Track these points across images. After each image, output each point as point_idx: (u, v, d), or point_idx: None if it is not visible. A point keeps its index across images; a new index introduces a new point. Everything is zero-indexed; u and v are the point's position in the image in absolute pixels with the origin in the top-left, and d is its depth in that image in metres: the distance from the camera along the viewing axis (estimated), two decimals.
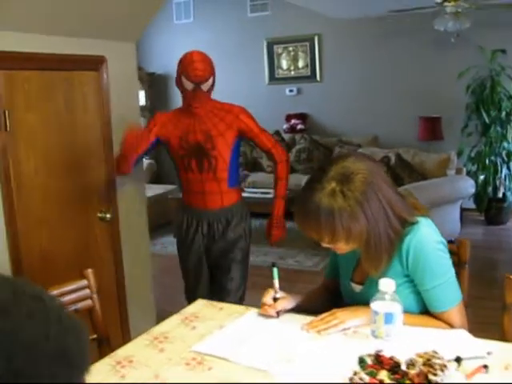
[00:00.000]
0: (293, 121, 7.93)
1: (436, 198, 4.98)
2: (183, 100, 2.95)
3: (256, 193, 6.51)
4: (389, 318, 1.47)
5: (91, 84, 3.21)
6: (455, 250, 1.95)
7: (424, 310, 1.76)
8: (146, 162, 7.37)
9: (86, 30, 3.08)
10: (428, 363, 1.16)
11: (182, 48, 9.02)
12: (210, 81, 2.88)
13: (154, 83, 8.64)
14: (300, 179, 6.78)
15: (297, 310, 1.89)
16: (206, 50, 9.39)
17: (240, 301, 3.07)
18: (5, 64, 2.69)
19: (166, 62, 8.49)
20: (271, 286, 1.87)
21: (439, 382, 1.12)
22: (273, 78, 8.18)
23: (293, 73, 8.07)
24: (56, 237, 3.00)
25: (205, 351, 1.63)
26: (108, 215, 3.21)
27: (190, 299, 2.92)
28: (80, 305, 1.89)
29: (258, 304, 2.03)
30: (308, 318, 1.79)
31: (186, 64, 2.84)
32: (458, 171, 6.19)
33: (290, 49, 8.00)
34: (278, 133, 7.66)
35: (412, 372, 1.15)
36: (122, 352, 1.66)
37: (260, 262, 5.62)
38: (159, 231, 6.44)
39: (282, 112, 8.00)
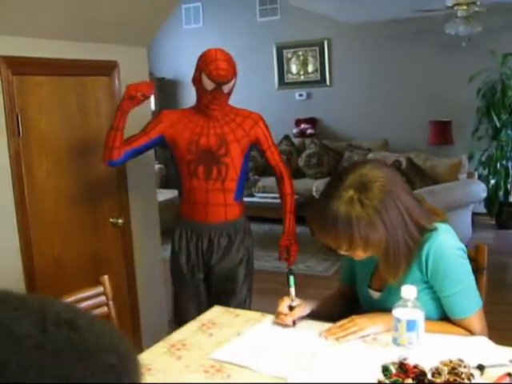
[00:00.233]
0: (302, 125, 7.91)
1: (448, 203, 4.94)
2: (198, 99, 2.71)
3: (266, 198, 6.50)
4: (411, 325, 1.44)
5: (103, 89, 3.21)
6: (472, 255, 1.92)
7: (444, 316, 1.74)
8: (155, 166, 7.36)
9: (98, 35, 3.07)
10: (454, 372, 1.14)
11: (192, 53, 9.01)
12: (232, 83, 2.65)
13: (163, 88, 8.65)
14: (310, 184, 6.77)
15: (313, 316, 1.87)
16: None
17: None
18: (18, 69, 2.69)
19: (175, 67, 8.51)
20: (282, 292, 1.86)
21: None
22: (282, 82, 8.17)
23: (302, 77, 8.05)
24: (68, 242, 2.99)
25: (223, 359, 1.61)
26: (120, 220, 3.20)
27: (181, 324, 2.18)
28: (96, 312, 1.87)
29: (268, 309, 2.02)
30: (326, 325, 1.77)
31: (208, 61, 2.57)
32: (470, 175, 6.15)
33: (300, 53, 7.99)
34: (287, 137, 7.65)
35: (438, 381, 1.12)
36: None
37: (270, 268, 5.60)
38: (170, 236, 6.42)
39: (291, 117, 7.99)
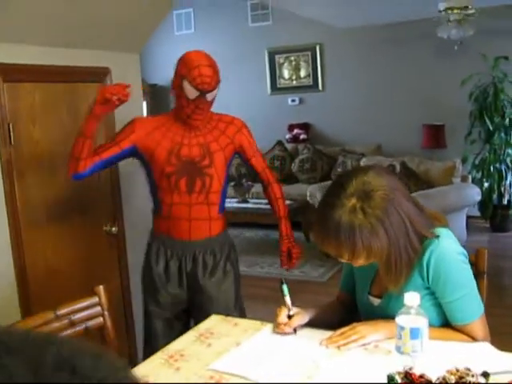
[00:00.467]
0: (295, 131, 7.90)
1: (442, 206, 4.92)
2: (178, 108, 2.45)
3: (260, 203, 6.46)
4: (415, 332, 1.42)
5: (96, 96, 3.17)
6: (472, 259, 1.90)
7: (445, 322, 1.72)
8: None
9: (90, 42, 3.05)
10: (461, 381, 1.11)
11: None
12: (216, 90, 2.42)
13: (155, 94, 8.62)
14: (303, 189, 6.76)
15: (312, 324, 1.84)
16: None
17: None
18: (9, 76, 2.66)
19: (167, 73, 8.42)
20: (279, 298, 1.82)
21: None
22: (275, 88, 8.16)
23: (295, 82, 8.04)
24: (61, 251, 2.95)
25: (223, 369, 1.58)
26: (114, 229, 3.16)
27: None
28: (91, 323, 1.84)
29: (266, 316, 1.99)
30: (326, 333, 1.74)
31: (190, 67, 2.31)
32: (464, 179, 6.15)
33: (292, 58, 7.98)
34: (280, 143, 7.64)
35: None
36: (136, 372, 1.60)
37: (265, 274, 5.58)
38: None
39: (284, 122, 7.97)
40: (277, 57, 8.06)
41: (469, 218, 6.11)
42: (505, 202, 6.64)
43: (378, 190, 1.57)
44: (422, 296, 1.65)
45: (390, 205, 1.57)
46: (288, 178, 7.45)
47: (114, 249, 3.25)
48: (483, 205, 6.51)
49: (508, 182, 6.60)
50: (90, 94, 3.14)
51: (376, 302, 1.82)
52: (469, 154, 6.53)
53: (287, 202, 6.59)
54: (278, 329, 1.81)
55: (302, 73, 7.96)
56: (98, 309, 1.86)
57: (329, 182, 6.64)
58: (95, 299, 1.86)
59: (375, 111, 7.47)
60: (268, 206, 6.41)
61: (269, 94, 8.19)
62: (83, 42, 3.01)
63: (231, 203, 6.51)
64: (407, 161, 6.19)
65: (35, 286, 2.81)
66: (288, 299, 1.84)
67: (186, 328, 2.38)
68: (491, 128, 6.42)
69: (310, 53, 7.82)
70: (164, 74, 8.56)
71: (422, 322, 1.43)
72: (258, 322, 1.90)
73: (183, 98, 2.35)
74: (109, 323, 1.86)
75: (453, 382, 1.11)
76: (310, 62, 7.85)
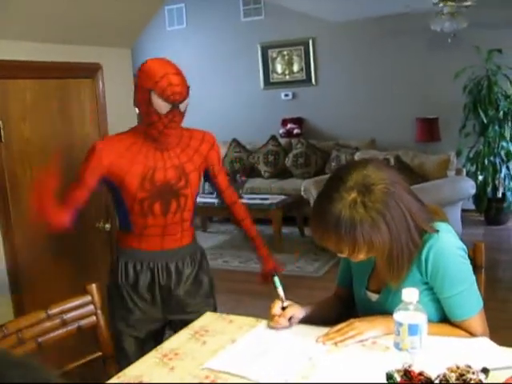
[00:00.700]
0: (289, 125, 7.87)
1: (437, 200, 4.91)
2: (147, 124, 2.16)
3: (255, 199, 6.44)
4: (413, 329, 1.39)
5: (87, 92, 3.15)
6: (470, 253, 1.88)
7: (444, 318, 1.69)
8: None
9: (81, 37, 3.01)
10: (462, 378, 1.09)
11: (176, 54, 8.95)
12: (188, 98, 2.16)
13: None
14: (298, 184, 6.73)
15: (309, 320, 1.81)
16: (199, 56, 9.37)
17: None
18: None
19: None
20: (270, 293, 1.80)
21: None
22: (268, 82, 8.12)
23: (288, 77, 8.01)
24: (53, 248, 2.92)
25: (218, 368, 1.55)
26: (107, 225, 3.13)
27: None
28: (83, 322, 1.81)
29: (262, 313, 1.96)
30: (323, 330, 1.71)
31: (157, 78, 2.06)
32: (458, 172, 6.14)
33: (285, 53, 7.94)
34: (274, 138, 7.61)
35: None
36: (130, 372, 1.57)
37: (257, 269, 5.54)
38: None
39: (277, 117, 7.94)
40: (270, 51, 8.02)
41: (463, 211, 6.10)
42: (499, 195, 6.63)
43: (379, 184, 1.54)
44: (420, 291, 1.62)
45: (391, 198, 1.54)
46: (282, 173, 7.44)
47: (107, 246, 3.21)
48: (478, 198, 6.51)
49: (502, 175, 6.59)
50: (81, 89, 3.11)
51: (374, 297, 1.80)
52: (463, 147, 6.52)
53: (282, 196, 6.60)
54: (272, 322, 1.79)
55: (295, 67, 7.93)
56: (91, 307, 1.83)
57: (323, 177, 6.63)
58: (87, 298, 1.83)
59: (369, 105, 7.45)
60: (262, 202, 6.38)
61: (262, 88, 8.15)
62: (74, 38, 2.98)
63: None
64: (401, 154, 6.18)
65: (28, 283, 2.78)
66: (280, 290, 1.82)
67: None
68: (485, 121, 6.40)
69: (302, 47, 7.78)
70: None
71: (420, 318, 1.41)
72: (254, 319, 1.87)
73: (153, 113, 2.10)
74: (102, 322, 1.84)
75: (453, 379, 1.09)
76: (303, 56, 7.81)
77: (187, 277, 2.34)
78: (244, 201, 6.42)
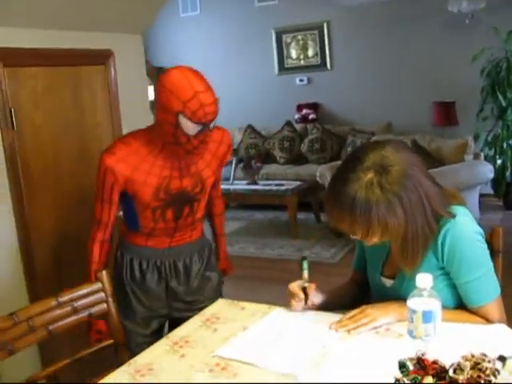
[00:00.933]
0: (304, 111, 7.81)
1: (454, 184, 4.82)
2: (171, 143, 1.97)
3: (270, 185, 6.41)
4: (427, 316, 1.36)
5: (99, 79, 3.14)
6: (487, 238, 1.84)
7: (460, 304, 1.66)
8: None
9: (91, 24, 2.99)
10: (477, 367, 1.06)
11: (190, 41, 8.90)
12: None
13: None
14: (313, 169, 6.69)
15: (325, 307, 1.79)
16: (213, 43, 9.29)
17: None
18: (9, 61, 2.62)
19: (173, 55, 8.40)
20: (288, 280, 1.78)
21: None
22: (282, 68, 8.05)
23: (302, 62, 7.93)
24: (68, 236, 2.92)
25: (229, 356, 1.53)
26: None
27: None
28: (94, 309, 1.80)
29: (274, 298, 1.94)
30: (336, 316, 1.69)
31: (185, 98, 1.85)
32: (476, 156, 6.05)
33: (299, 37, 7.86)
34: (289, 123, 7.56)
35: (461, 378, 1.04)
36: (140, 359, 1.56)
37: (276, 256, 5.54)
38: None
39: (292, 102, 7.88)
40: (284, 36, 7.94)
41: (481, 196, 6.02)
42: None
43: (397, 165, 1.50)
44: (436, 276, 1.60)
45: (409, 181, 1.50)
46: (298, 159, 7.39)
47: (117, 233, 3.21)
48: (496, 182, 6.41)
49: None
50: (92, 76, 3.10)
51: (388, 283, 1.77)
52: (481, 131, 6.42)
53: (297, 182, 6.56)
54: (291, 298, 1.77)
55: (310, 52, 7.85)
56: (102, 295, 1.82)
57: (339, 162, 6.53)
58: (98, 285, 1.82)
59: (385, 89, 7.36)
60: (278, 188, 6.36)
61: (276, 74, 8.09)
62: (85, 25, 2.96)
63: (240, 185, 6.47)
64: (418, 139, 6.10)
65: (42, 271, 2.79)
66: (306, 273, 1.78)
67: None
68: (504, 104, 6.28)
69: (317, 31, 7.69)
70: (170, 57, 8.48)
71: (434, 305, 1.37)
72: (266, 306, 1.85)
73: (181, 135, 1.91)
74: (113, 310, 1.83)
75: (468, 368, 1.06)
76: (318, 40, 7.72)
77: (195, 274, 2.27)
78: (259, 187, 6.42)
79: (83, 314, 1.78)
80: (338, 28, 7.58)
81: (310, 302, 1.77)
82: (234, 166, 6.59)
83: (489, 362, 1.07)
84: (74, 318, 1.76)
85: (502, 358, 1.28)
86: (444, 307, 1.57)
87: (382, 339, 1.56)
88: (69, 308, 1.75)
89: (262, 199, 6.50)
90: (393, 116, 7.21)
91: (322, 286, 1.83)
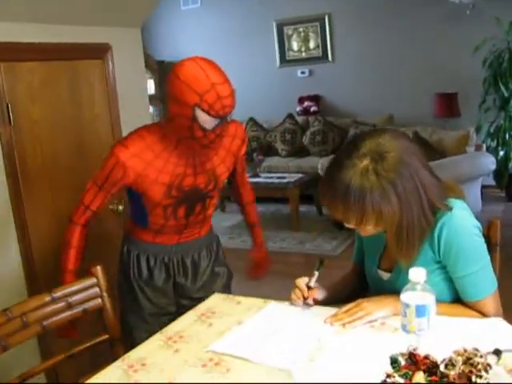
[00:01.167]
0: (306, 103, 7.79)
1: (456, 176, 4.83)
2: (187, 137, 1.89)
3: (272, 177, 6.40)
4: (421, 310, 1.34)
5: (96, 73, 3.12)
6: (485, 232, 1.82)
7: (456, 298, 1.64)
8: None
9: (89, 18, 2.97)
10: (469, 362, 1.05)
11: (191, 34, 8.86)
12: None
13: (163, 71, 8.52)
14: (315, 162, 6.68)
15: (327, 302, 1.79)
16: (214, 35, 9.24)
17: None
18: (5, 55, 2.60)
19: (174, 49, 8.39)
20: (290, 273, 1.78)
21: (484, 383, 1.01)
22: (284, 60, 8.03)
23: (304, 54, 7.90)
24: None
25: (222, 351, 1.52)
26: (120, 207, 3.11)
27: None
28: (89, 304, 1.80)
29: (277, 291, 1.93)
30: (332, 310, 1.68)
31: (202, 91, 1.77)
32: (478, 148, 6.03)
33: (301, 30, 7.83)
34: (291, 116, 7.54)
35: (452, 373, 1.03)
36: (134, 355, 1.56)
37: (278, 248, 5.53)
38: None
39: (294, 94, 7.85)
40: (285, 28, 7.90)
41: (484, 187, 6.00)
42: None
43: (393, 152, 1.48)
44: (432, 270, 1.59)
45: (405, 169, 1.48)
46: (299, 151, 7.38)
47: (121, 226, 3.20)
48: (498, 174, 6.38)
49: None
50: (90, 71, 3.08)
51: (385, 276, 1.76)
52: (483, 123, 6.39)
53: (299, 175, 6.54)
54: (293, 293, 1.76)
55: (311, 44, 7.81)
56: (96, 290, 1.81)
57: None
58: (93, 280, 1.81)
59: (386, 81, 7.33)
60: (279, 180, 6.33)
61: (278, 66, 8.06)
62: (82, 19, 2.94)
63: None
64: (419, 130, 6.08)
65: (41, 266, 2.78)
66: (316, 273, 1.76)
67: None
68: (506, 94, 6.25)
69: (318, 23, 7.66)
70: (171, 50, 8.47)
71: (428, 299, 1.36)
72: (261, 300, 1.84)
73: (197, 129, 1.83)
74: (108, 305, 1.82)
75: (460, 363, 1.05)
76: (319, 32, 7.69)
77: (204, 270, 2.24)
78: (261, 180, 6.40)
79: (78, 310, 1.77)
80: (339, 20, 7.54)
81: (309, 301, 1.76)
82: None
83: (481, 356, 1.06)
84: (68, 313, 1.75)
85: (498, 352, 1.28)
86: (440, 301, 1.56)
87: (377, 333, 1.55)
88: (63, 303, 1.74)
89: (263, 192, 6.47)
90: (394, 108, 7.18)
91: (323, 279, 1.82)
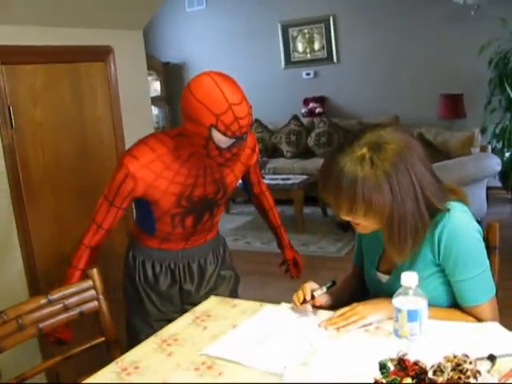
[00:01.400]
0: (311, 104, 7.78)
1: (461, 178, 4.81)
2: (202, 155, 1.85)
3: (276, 179, 6.39)
4: (413, 315, 1.34)
5: (99, 75, 3.13)
6: (483, 234, 1.81)
7: (455, 302, 1.63)
8: None
9: (90, 20, 2.98)
10: (458, 369, 1.04)
11: (196, 36, 8.87)
12: None
13: (169, 73, 8.55)
14: (320, 163, 6.63)
15: (329, 306, 1.78)
16: (219, 37, 9.26)
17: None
18: (7, 58, 2.61)
19: (180, 51, 8.41)
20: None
21: None
22: (289, 61, 8.02)
23: (309, 55, 7.89)
24: (68, 234, 2.92)
25: (216, 354, 1.52)
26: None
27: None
28: (85, 307, 1.80)
29: (278, 293, 1.91)
30: (326, 314, 1.67)
31: (219, 111, 1.72)
32: (483, 149, 5.99)
33: (305, 31, 7.81)
34: (296, 117, 7.53)
35: (440, 379, 1.02)
36: (128, 357, 1.56)
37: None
38: None
39: (299, 96, 7.84)
40: (290, 30, 7.89)
41: (489, 188, 5.96)
42: None
43: (392, 144, 1.49)
44: (431, 273, 1.58)
45: (402, 162, 1.48)
46: (304, 153, 7.37)
47: (123, 229, 3.21)
48: (504, 175, 6.34)
49: None
50: (92, 73, 3.09)
51: (384, 278, 1.75)
52: (489, 124, 6.35)
53: (304, 176, 6.52)
54: (296, 296, 1.75)
55: (316, 45, 7.80)
56: (92, 292, 1.82)
57: None
58: (89, 283, 1.82)
59: (391, 82, 7.31)
60: (284, 182, 6.32)
61: (283, 68, 8.05)
62: (84, 21, 2.95)
63: None
64: (424, 132, 6.05)
65: (43, 270, 2.79)
66: (324, 290, 1.76)
67: None
68: None
69: (323, 25, 7.64)
70: (177, 52, 8.49)
71: (420, 304, 1.35)
72: (257, 303, 1.84)
73: (212, 148, 1.78)
74: (104, 307, 1.82)
75: (449, 369, 1.04)
76: (324, 34, 7.68)
77: (210, 275, 2.22)
78: (265, 181, 6.39)
79: (74, 312, 1.78)
80: (344, 21, 7.52)
81: (310, 306, 1.75)
82: None
83: (470, 363, 1.05)
84: (64, 315, 1.75)
85: (492, 358, 1.26)
86: (438, 305, 1.56)
87: (371, 337, 1.54)
88: (59, 306, 1.74)
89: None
90: (400, 109, 7.16)
91: (327, 280, 1.81)
